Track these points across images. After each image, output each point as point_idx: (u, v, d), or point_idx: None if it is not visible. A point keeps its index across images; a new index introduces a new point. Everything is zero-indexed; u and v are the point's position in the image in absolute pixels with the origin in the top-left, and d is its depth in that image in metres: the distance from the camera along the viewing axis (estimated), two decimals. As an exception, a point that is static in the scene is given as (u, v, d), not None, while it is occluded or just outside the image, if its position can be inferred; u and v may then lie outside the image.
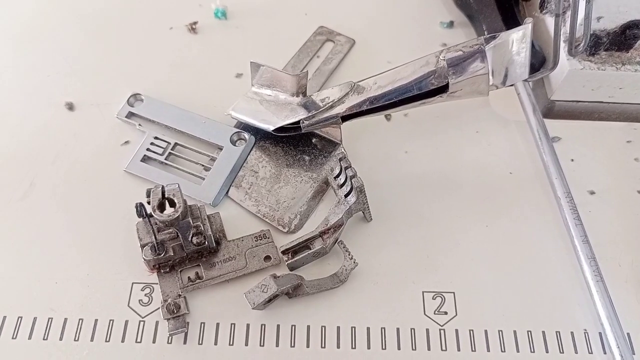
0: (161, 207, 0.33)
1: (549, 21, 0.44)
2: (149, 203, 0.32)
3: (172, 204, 0.33)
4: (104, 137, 0.41)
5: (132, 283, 0.35)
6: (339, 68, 0.46)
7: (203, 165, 0.39)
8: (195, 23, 0.48)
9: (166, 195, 0.32)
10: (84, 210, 0.37)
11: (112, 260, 0.35)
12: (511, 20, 0.47)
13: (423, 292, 0.35)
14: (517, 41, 0.37)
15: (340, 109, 0.38)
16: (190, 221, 0.34)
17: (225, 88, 0.44)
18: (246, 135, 0.40)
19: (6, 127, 0.41)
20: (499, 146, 0.42)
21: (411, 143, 0.42)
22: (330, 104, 0.38)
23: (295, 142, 0.41)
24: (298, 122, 0.38)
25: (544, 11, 0.45)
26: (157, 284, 0.34)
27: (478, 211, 0.39)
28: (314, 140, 0.41)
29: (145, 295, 0.34)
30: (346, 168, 0.36)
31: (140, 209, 0.32)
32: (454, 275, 0.36)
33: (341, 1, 0.51)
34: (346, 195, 0.36)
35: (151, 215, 0.33)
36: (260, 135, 0.41)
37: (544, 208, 0.39)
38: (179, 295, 0.34)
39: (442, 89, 0.37)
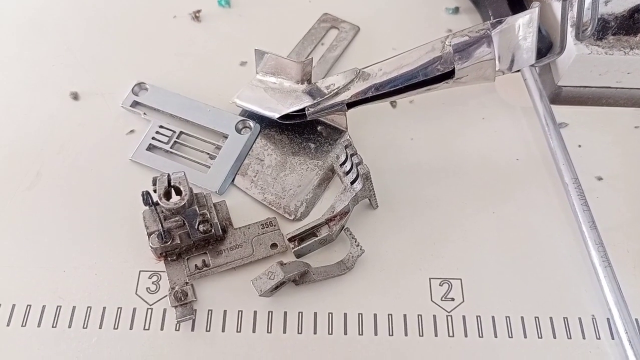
0: (167, 195, 0.33)
1: (556, 5, 0.44)
2: (155, 191, 0.33)
3: (178, 192, 0.33)
4: (109, 127, 0.41)
5: (140, 271, 0.35)
6: (344, 55, 0.46)
7: (208, 154, 0.39)
8: (199, 11, 0.48)
9: (172, 184, 0.32)
10: (90, 199, 0.37)
11: (119, 248, 0.36)
12: (517, 5, 0.46)
13: (430, 278, 0.35)
14: (523, 26, 0.36)
15: (345, 96, 0.38)
16: (197, 209, 0.34)
17: (230, 76, 0.44)
18: (251, 123, 0.40)
19: (12, 117, 0.41)
20: (505, 133, 0.42)
21: (417, 130, 0.42)
22: (336, 90, 0.38)
23: (301, 130, 0.41)
24: (303, 110, 0.38)
25: (550, -5, 0.45)
26: (164, 272, 0.35)
27: (485, 198, 0.38)
28: (319, 128, 0.41)
29: (153, 283, 0.34)
30: (352, 155, 0.35)
31: (146, 198, 0.32)
32: (461, 262, 0.36)
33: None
34: (352, 183, 0.35)
35: (157, 204, 0.33)
36: (265, 123, 0.41)
37: (551, 194, 0.38)
38: (186, 283, 0.34)
39: (448, 75, 0.37)
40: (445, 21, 0.48)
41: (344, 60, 0.46)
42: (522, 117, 0.42)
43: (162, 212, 0.33)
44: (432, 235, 0.37)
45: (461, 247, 0.36)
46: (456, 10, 0.49)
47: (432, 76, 0.37)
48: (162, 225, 0.33)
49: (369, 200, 0.37)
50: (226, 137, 0.40)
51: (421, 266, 0.35)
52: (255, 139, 0.40)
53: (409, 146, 0.41)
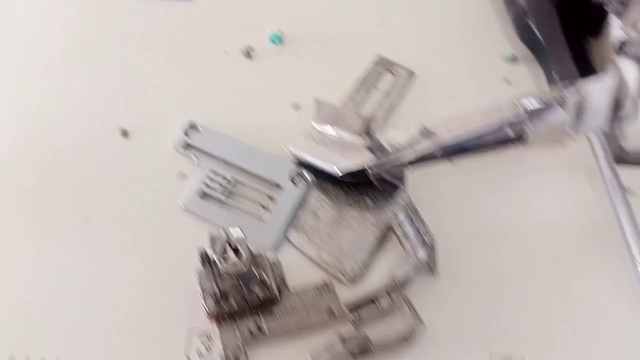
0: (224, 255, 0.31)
1: (624, 65, 0.42)
2: (212, 248, 0.31)
3: (236, 251, 0.31)
4: (160, 169, 0.39)
5: (188, 329, 0.33)
6: (400, 102, 0.45)
7: (261, 204, 0.38)
8: (251, 48, 0.46)
9: (232, 245, 0.31)
10: (139, 248, 0.36)
11: (169, 303, 0.34)
12: (581, 60, 0.44)
13: (491, 354, 0.33)
14: (598, 92, 0.35)
15: (410, 155, 0.36)
16: (254, 271, 0.32)
17: (282, 119, 0.42)
18: (306, 174, 0.39)
19: (62, 154, 0.40)
20: (568, 197, 0.40)
21: (476, 190, 0.40)
22: (400, 149, 0.36)
23: (355, 183, 0.39)
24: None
25: (621, 54, 0.43)
26: (214, 332, 0.33)
27: (547, 268, 0.37)
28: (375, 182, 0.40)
29: (203, 344, 0.33)
30: (415, 220, 0.34)
31: (204, 258, 0.31)
32: (523, 338, 0.34)
33: (400, 31, 0.49)
34: (414, 249, 0.34)
35: (215, 264, 0.31)
36: (319, 174, 0.39)
37: (618, 269, 0.36)
38: (239, 348, 0.32)
39: (519, 139, 0.35)
40: (503, 70, 0.47)
41: (400, 108, 0.44)
42: (585, 181, 0.40)
43: (219, 271, 0.32)
44: (493, 307, 0.35)
45: (523, 321, 0.35)
46: (514, 59, 0.47)
47: (503, 140, 0.35)
48: (217, 287, 0.32)
49: (429, 265, 0.35)
50: (279, 186, 0.38)
51: (482, 340, 0.34)
52: (310, 191, 0.39)
53: (468, 206, 0.39)
